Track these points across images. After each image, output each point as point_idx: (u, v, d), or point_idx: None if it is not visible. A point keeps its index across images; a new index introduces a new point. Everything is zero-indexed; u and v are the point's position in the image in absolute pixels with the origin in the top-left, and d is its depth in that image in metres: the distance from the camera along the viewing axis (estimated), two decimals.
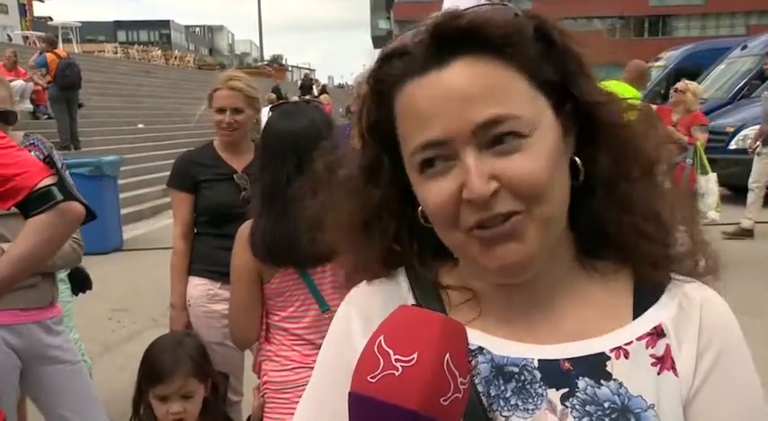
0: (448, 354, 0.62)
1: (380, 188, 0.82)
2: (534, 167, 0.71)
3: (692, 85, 6.99)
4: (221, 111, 2.86)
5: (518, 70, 0.74)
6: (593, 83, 0.79)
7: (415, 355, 0.61)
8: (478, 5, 0.77)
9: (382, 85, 0.79)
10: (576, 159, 0.78)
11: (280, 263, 2.03)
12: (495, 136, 0.72)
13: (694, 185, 6.31)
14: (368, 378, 0.62)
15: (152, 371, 2.16)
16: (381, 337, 0.64)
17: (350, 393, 0.64)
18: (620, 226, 0.79)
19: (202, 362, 2.23)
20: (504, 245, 0.73)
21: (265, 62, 44.01)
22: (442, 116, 0.72)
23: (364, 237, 0.86)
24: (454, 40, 0.73)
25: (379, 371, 0.62)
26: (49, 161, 1.82)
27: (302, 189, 2.01)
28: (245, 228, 2.07)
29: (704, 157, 6.46)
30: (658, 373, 0.76)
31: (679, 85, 7.02)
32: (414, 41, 0.76)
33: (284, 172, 1.97)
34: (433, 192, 0.74)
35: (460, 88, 0.72)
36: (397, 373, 0.61)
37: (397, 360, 0.61)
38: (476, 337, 0.80)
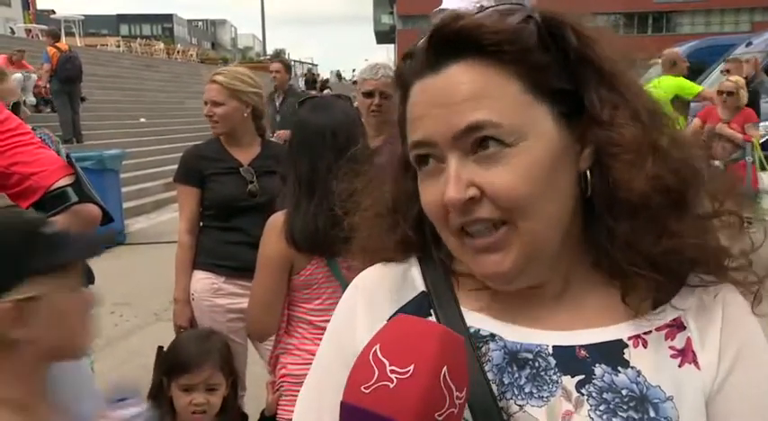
0: (445, 367, 0.61)
1: (411, 178, 0.82)
2: (514, 181, 0.71)
3: (740, 81, 6.70)
4: (205, 103, 2.95)
5: (514, 76, 0.73)
6: (611, 95, 0.75)
7: (412, 367, 0.60)
8: (490, 6, 0.76)
9: (401, 81, 0.80)
10: (587, 173, 0.76)
11: (316, 252, 2.05)
12: (477, 140, 0.71)
13: (758, 184, 6.09)
14: (361, 388, 0.61)
15: (179, 361, 2.16)
16: (377, 346, 0.63)
17: (342, 403, 0.62)
18: (611, 256, 0.77)
19: (228, 357, 2.23)
20: (488, 256, 0.74)
21: (268, 57, 44.02)
22: (428, 119, 0.74)
23: (388, 222, 0.87)
24: (450, 44, 0.74)
25: (373, 381, 0.60)
26: (69, 160, 1.80)
27: (341, 179, 2.02)
28: (277, 218, 2.09)
29: (761, 154, 6.23)
30: (679, 366, 0.75)
31: (728, 85, 6.60)
32: (420, 45, 0.77)
33: (323, 163, 2.01)
34: (426, 193, 0.77)
35: (448, 94, 0.73)
36: (391, 385, 0.60)
37: (392, 371, 0.60)
38: (487, 324, 0.80)
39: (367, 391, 0.60)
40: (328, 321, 2.33)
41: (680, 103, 7.03)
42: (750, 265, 0.80)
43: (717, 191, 0.80)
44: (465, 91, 0.72)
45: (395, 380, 0.60)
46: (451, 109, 0.72)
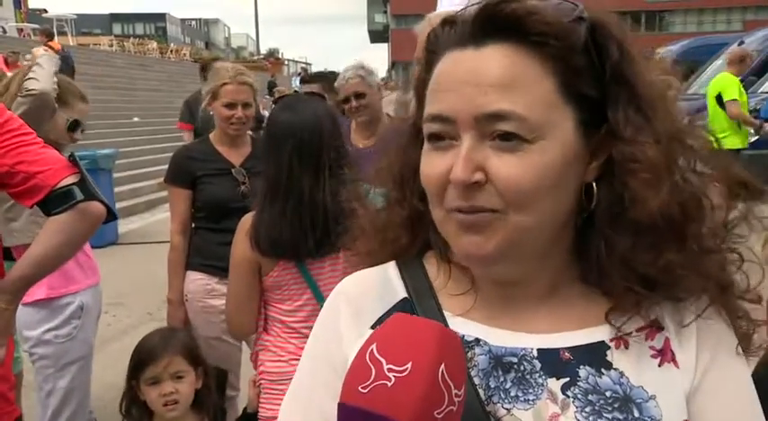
0: (443, 365, 0.60)
1: (420, 148, 0.81)
2: (523, 175, 0.70)
3: None
4: (231, 105, 2.85)
5: (550, 73, 0.72)
6: (638, 117, 0.74)
7: (409, 365, 0.59)
8: (472, 3, 0.75)
9: (432, 47, 0.79)
10: (593, 185, 0.76)
11: (281, 256, 2.03)
12: (497, 131, 0.70)
13: None
14: (358, 388, 0.60)
15: (141, 357, 2.17)
16: (374, 346, 0.61)
17: (339, 404, 0.61)
18: (606, 274, 0.77)
19: (192, 346, 2.24)
20: (471, 236, 0.73)
21: (262, 56, 43.95)
22: (455, 94, 0.72)
23: (396, 196, 0.87)
24: (497, 23, 0.72)
25: (370, 381, 0.59)
26: (72, 159, 1.80)
27: (305, 181, 1.99)
28: (246, 220, 2.07)
29: None
30: (659, 365, 0.76)
31: None
32: (465, 14, 0.75)
33: (287, 165, 1.98)
34: (429, 165, 0.75)
35: (482, 74, 0.71)
36: (389, 384, 0.59)
37: (389, 370, 0.59)
38: (471, 329, 0.80)
39: (364, 391, 0.59)
40: (299, 322, 2.34)
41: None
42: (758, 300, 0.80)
43: (718, 228, 0.78)
44: (499, 75, 0.71)
45: (393, 378, 0.59)
46: (481, 90, 0.71)
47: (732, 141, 7.27)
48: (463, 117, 0.71)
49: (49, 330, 2.72)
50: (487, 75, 0.71)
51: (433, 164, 0.75)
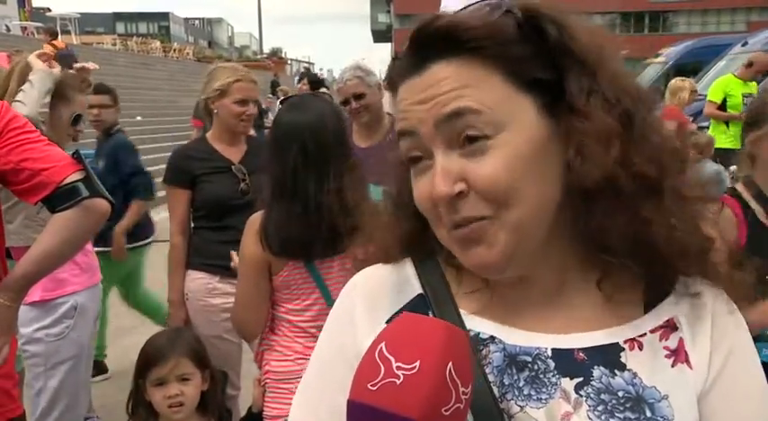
0: (451, 363, 0.61)
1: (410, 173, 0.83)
2: (495, 170, 0.71)
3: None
4: (243, 102, 2.86)
5: (495, 69, 0.73)
6: (589, 82, 0.74)
7: (418, 363, 0.60)
8: (471, 3, 0.77)
9: (391, 82, 0.81)
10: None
11: (291, 257, 2.03)
12: (460, 134, 0.72)
13: None
14: (368, 385, 0.61)
15: (147, 357, 2.16)
16: (383, 344, 0.63)
17: (348, 401, 0.62)
18: (602, 239, 0.77)
19: (199, 349, 2.23)
20: (473, 248, 0.74)
21: (265, 55, 44.02)
22: (412, 113, 0.75)
23: (395, 216, 0.88)
24: (431, 44, 0.75)
25: (379, 378, 0.61)
26: (77, 156, 1.81)
27: (311, 182, 1.99)
28: (254, 220, 2.07)
29: None
30: (672, 365, 0.77)
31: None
32: (404, 47, 0.78)
33: (292, 165, 1.98)
34: (417, 189, 0.77)
35: (430, 91, 0.74)
36: (398, 381, 0.60)
37: (398, 367, 0.61)
38: (487, 327, 0.81)
39: (374, 388, 0.61)
40: (307, 321, 2.34)
41: None
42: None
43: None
44: (447, 85, 0.73)
45: (401, 376, 0.60)
46: (433, 102, 0.73)
47: (719, 141, 7.29)
48: (425, 128, 0.74)
49: (40, 328, 2.74)
50: (436, 90, 0.73)
51: (419, 188, 0.77)
